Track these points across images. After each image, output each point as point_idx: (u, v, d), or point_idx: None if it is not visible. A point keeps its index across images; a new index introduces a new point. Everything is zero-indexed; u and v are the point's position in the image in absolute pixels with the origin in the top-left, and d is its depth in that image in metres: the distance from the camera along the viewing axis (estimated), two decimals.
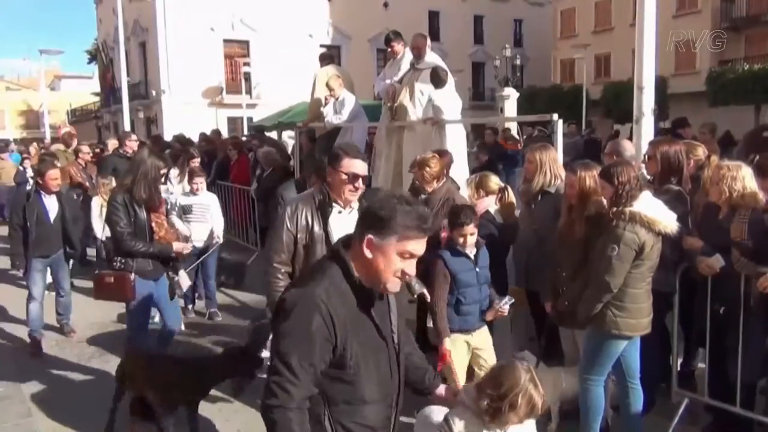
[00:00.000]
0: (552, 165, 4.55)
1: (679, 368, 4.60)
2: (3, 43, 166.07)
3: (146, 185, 4.69)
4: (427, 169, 4.82)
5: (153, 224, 4.81)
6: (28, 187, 7.59)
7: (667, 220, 3.58)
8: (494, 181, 4.75)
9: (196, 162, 7.95)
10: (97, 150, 14.18)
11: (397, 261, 2.06)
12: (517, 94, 22.47)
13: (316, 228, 3.49)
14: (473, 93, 39.10)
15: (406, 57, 7.05)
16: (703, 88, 27.34)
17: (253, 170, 10.10)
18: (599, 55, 35.32)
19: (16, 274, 9.58)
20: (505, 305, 4.10)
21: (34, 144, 16.33)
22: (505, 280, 4.82)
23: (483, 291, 4.09)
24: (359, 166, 3.43)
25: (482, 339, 4.17)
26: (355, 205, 3.51)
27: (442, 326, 3.97)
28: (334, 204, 3.50)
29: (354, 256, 2.11)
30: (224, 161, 11.25)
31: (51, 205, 6.29)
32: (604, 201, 3.73)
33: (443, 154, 5.35)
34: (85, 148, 10.43)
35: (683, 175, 4.26)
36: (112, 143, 11.33)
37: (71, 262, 6.93)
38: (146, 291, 4.80)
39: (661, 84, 26.51)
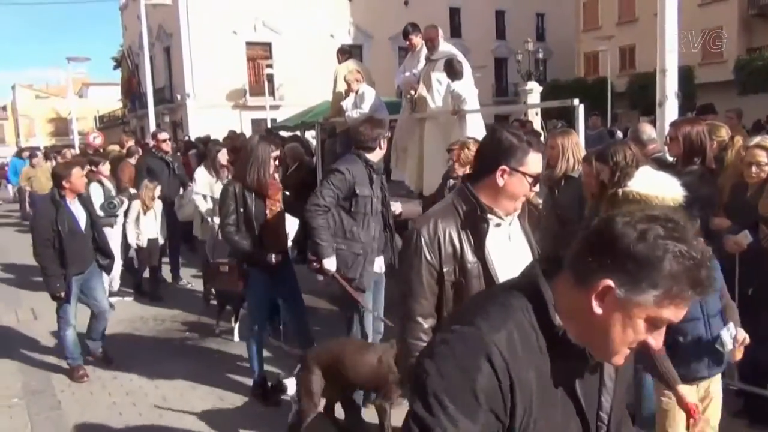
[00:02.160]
0: (574, 150, 4.49)
1: None
2: (32, 54, 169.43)
3: (257, 171, 4.53)
4: (466, 150, 4.81)
5: (267, 211, 4.63)
6: None
7: (666, 193, 3.48)
8: None
9: (222, 155, 7.62)
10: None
11: (642, 329, 1.26)
12: (540, 88, 22.28)
13: (468, 255, 2.35)
14: (496, 88, 38.88)
15: (425, 49, 7.06)
16: (731, 77, 26.85)
17: (277, 168, 10.13)
18: (624, 46, 34.86)
19: None
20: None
21: (69, 150, 16.60)
22: None
23: (713, 325, 2.90)
24: (541, 163, 2.43)
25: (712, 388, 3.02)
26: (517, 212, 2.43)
27: (669, 368, 2.78)
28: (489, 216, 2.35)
29: (561, 294, 1.31)
30: None
31: (78, 211, 5.51)
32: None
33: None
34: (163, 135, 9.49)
35: (707, 156, 4.18)
36: (126, 140, 11.21)
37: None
38: (261, 283, 4.69)
39: (687, 74, 26.25)
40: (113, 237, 7.52)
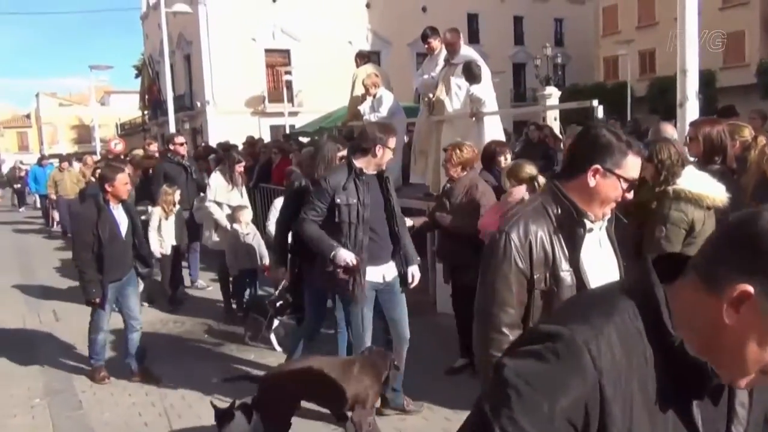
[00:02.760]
0: None
1: None
2: (56, 63, 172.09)
3: (325, 169, 4.48)
4: (457, 152, 4.81)
5: None
6: None
7: (716, 193, 3.45)
8: (526, 170, 4.67)
9: (240, 167, 7.53)
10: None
11: None
12: (559, 93, 22.15)
13: (562, 262, 2.17)
14: (515, 94, 38.73)
15: (443, 52, 7.07)
16: (754, 81, 26.54)
17: None
18: (643, 51, 34.61)
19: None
20: None
21: (91, 157, 16.81)
22: None
23: None
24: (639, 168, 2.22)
25: None
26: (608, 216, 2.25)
27: None
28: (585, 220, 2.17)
29: (680, 299, 1.08)
30: (266, 164, 11.40)
31: (120, 217, 5.37)
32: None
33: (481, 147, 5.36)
34: (180, 139, 9.18)
35: (727, 155, 4.13)
36: (149, 144, 11.28)
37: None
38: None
39: (708, 77, 25.99)
40: None
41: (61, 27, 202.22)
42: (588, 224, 2.17)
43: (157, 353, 6.15)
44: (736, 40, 30.30)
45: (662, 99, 26.52)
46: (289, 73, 30.58)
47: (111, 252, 5.17)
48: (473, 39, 35.62)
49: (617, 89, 31.02)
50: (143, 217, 7.53)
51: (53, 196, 15.47)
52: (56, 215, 16.04)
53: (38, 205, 19.85)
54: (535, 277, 2.15)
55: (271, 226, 6.52)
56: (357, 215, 4.06)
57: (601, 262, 2.20)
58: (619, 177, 2.11)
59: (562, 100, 22.18)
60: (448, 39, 7.03)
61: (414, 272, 4.40)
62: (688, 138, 4.32)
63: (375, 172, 4.21)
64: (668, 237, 3.43)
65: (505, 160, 5.17)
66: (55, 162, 18.13)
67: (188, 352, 6.21)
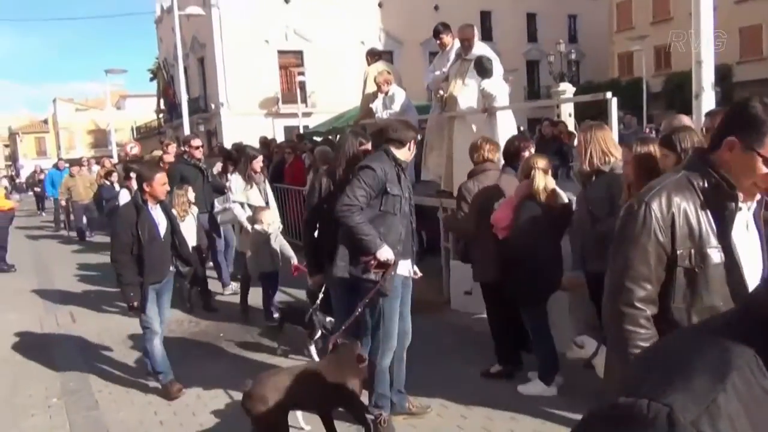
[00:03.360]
0: (602, 143, 4.40)
1: None
2: (72, 69, 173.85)
3: (347, 164, 4.33)
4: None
5: None
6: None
7: None
8: (539, 164, 4.63)
9: (258, 163, 7.22)
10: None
11: None
12: (573, 89, 21.99)
13: (710, 239, 1.97)
14: (528, 92, 38.54)
15: (455, 48, 7.04)
16: None
17: (308, 172, 10.22)
18: (659, 46, 34.29)
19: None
20: None
21: (108, 160, 16.93)
22: (560, 267, 4.70)
23: None
24: None
25: None
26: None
27: None
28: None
29: None
30: (280, 164, 11.43)
31: (159, 217, 5.20)
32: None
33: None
34: (197, 141, 9.00)
35: None
36: (167, 144, 11.08)
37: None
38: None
39: (725, 72, 25.69)
40: None
41: (77, 33, 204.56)
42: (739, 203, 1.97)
43: (171, 352, 6.16)
44: (753, 34, 29.96)
45: (678, 94, 26.27)
46: (302, 73, 30.71)
47: (150, 253, 5.00)
48: (486, 37, 35.48)
49: (632, 85, 30.80)
50: None
51: (63, 203, 15.54)
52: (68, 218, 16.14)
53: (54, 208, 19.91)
54: (678, 252, 1.97)
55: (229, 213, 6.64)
56: (400, 207, 4.04)
57: (749, 248, 2.02)
58: (759, 155, 1.85)
59: (577, 96, 22.00)
60: (465, 34, 6.99)
61: (416, 268, 4.49)
62: (704, 129, 4.26)
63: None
64: None
65: (486, 154, 5.14)
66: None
67: (203, 351, 6.22)
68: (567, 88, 21.43)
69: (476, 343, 5.61)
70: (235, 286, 8.10)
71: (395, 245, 3.99)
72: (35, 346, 6.65)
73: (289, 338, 5.90)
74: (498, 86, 6.58)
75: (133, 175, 7.64)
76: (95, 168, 17.09)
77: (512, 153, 5.26)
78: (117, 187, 10.98)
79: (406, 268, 4.24)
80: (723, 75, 26.34)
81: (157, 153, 11.45)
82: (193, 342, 6.55)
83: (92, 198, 14.17)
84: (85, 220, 15.08)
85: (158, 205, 5.21)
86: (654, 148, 3.69)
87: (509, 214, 4.55)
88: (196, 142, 8.72)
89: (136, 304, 5.03)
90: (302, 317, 5.55)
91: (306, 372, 3.81)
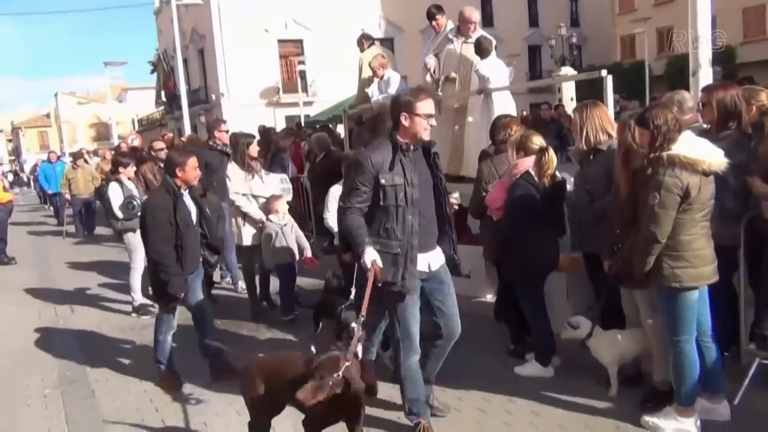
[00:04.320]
0: (598, 120, 4.32)
1: (749, 330, 4.31)
2: (73, 63, 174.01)
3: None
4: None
5: None
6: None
7: (713, 158, 3.33)
8: (535, 142, 4.56)
9: (254, 148, 6.80)
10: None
11: None
12: (575, 73, 21.83)
13: None
14: (530, 77, 38.25)
15: (448, 29, 6.98)
16: None
17: (306, 159, 10.18)
18: (661, 28, 33.96)
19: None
20: None
21: (107, 151, 16.74)
22: (555, 247, 4.64)
23: None
24: None
25: None
26: None
27: None
28: None
29: None
30: (279, 152, 11.36)
31: (190, 204, 5.01)
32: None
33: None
34: (159, 144, 9.06)
35: (742, 120, 3.98)
36: (165, 134, 10.74)
37: None
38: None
39: (728, 53, 25.43)
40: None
41: (77, 26, 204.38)
42: None
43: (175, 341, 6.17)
44: (757, 14, 29.65)
45: (681, 77, 26.00)
46: (302, 63, 30.56)
47: (188, 241, 4.81)
48: (487, 22, 35.23)
49: (635, 68, 30.56)
50: None
51: (67, 196, 14.92)
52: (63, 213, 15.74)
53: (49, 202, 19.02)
54: None
55: (331, 218, 5.79)
56: (405, 196, 3.60)
57: None
58: None
59: (578, 81, 21.81)
60: (472, 18, 6.93)
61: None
62: (700, 104, 4.18)
63: (418, 147, 3.70)
64: (662, 203, 3.32)
65: (513, 133, 5.05)
66: (67, 160, 17.77)
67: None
68: (568, 71, 21.30)
69: (473, 326, 5.53)
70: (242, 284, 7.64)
71: (410, 239, 3.62)
72: (33, 338, 6.65)
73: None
74: (494, 67, 6.51)
75: (122, 169, 7.22)
76: (95, 160, 16.90)
77: (497, 131, 5.22)
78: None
79: (425, 262, 3.77)
80: (726, 56, 26.12)
81: (158, 143, 11.30)
82: (190, 331, 6.48)
83: (93, 192, 14.08)
84: (83, 215, 14.71)
85: (187, 192, 5.00)
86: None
87: (502, 195, 4.50)
88: (224, 126, 8.03)
89: (182, 295, 4.79)
90: (333, 311, 5.18)
91: (290, 360, 3.49)
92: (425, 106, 3.63)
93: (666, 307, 3.59)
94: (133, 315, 7.17)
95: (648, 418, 3.72)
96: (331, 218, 5.74)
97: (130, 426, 4.40)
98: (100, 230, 14.33)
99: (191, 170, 4.90)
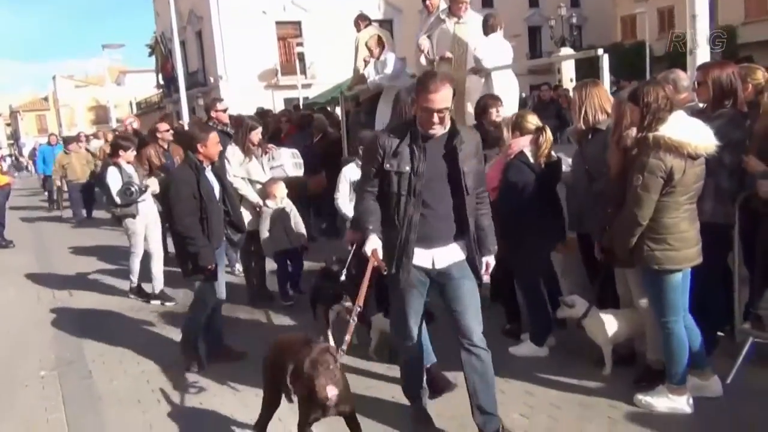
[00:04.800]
0: (597, 99, 4.29)
1: (744, 309, 4.32)
2: (71, 45, 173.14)
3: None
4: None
5: None
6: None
7: (701, 141, 3.29)
8: (531, 121, 4.53)
9: (256, 134, 6.54)
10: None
11: None
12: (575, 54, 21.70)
13: None
14: (530, 58, 38.02)
15: (441, 7, 6.94)
16: None
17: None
18: (662, 8, 33.73)
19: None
20: None
21: (106, 133, 16.59)
22: (551, 226, 4.63)
23: None
24: None
25: None
26: None
27: None
28: None
29: None
30: (276, 133, 11.32)
31: (213, 180, 4.97)
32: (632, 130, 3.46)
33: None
34: (164, 126, 8.82)
35: (738, 98, 3.95)
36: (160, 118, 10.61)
37: None
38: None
39: (729, 33, 25.22)
40: (154, 228, 7.12)
41: (75, 8, 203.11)
42: None
43: (167, 322, 6.19)
44: None
45: (682, 58, 25.85)
46: (301, 44, 30.36)
47: (212, 216, 4.79)
48: (487, 3, 34.97)
49: (635, 49, 30.41)
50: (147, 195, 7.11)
51: (58, 183, 14.79)
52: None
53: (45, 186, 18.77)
54: None
55: (342, 201, 5.58)
56: (408, 186, 3.31)
57: None
58: None
59: (578, 61, 21.67)
60: None
61: (489, 261, 3.57)
62: (696, 83, 4.15)
63: (437, 135, 3.32)
64: (645, 185, 3.30)
65: (497, 113, 5.02)
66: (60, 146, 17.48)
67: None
68: (568, 52, 21.15)
69: None
70: (239, 268, 7.66)
71: (407, 232, 3.36)
72: (32, 320, 6.68)
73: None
74: (493, 48, 6.48)
75: (122, 152, 7.03)
76: (94, 143, 16.70)
77: (478, 112, 5.19)
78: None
79: (429, 258, 3.46)
80: (727, 36, 25.91)
81: (162, 125, 11.06)
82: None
83: (89, 177, 13.98)
84: (81, 200, 14.56)
85: (209, 167, 4.96)
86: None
87: (497, 175, 4.48)
88: (222, 105, 7.79)
89: (212, 266, 4.76)
90: (328, 296, 5.14)
91: (293, 342, 3.41)
92: (435, 99, 3.17)
93: (650, 289, 3.61)
94: (131, 297, 7.18)
95: (641, 397, 3.74)
96: (342, 199, 5.58)
97: (127, 406, 4.42)
98: (98, 214, 14.31)
99: (213, 145, 4.87)
